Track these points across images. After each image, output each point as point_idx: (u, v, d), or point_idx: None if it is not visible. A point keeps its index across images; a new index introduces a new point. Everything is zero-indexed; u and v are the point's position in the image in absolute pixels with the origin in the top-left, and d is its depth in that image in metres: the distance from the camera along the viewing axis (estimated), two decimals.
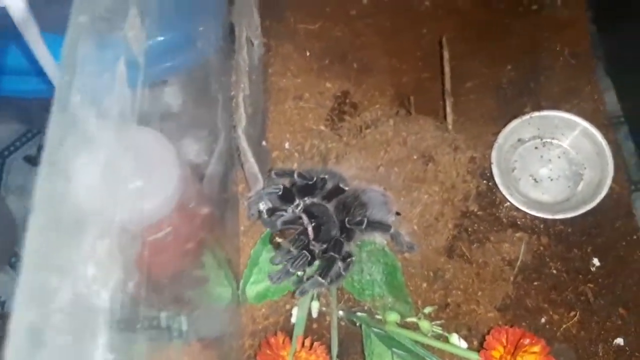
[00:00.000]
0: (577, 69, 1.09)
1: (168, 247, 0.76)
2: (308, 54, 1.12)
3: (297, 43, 1.13)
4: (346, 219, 0.85)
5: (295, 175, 0.86)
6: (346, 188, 0.89)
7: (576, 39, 1.12)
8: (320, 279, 0.79)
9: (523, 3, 1.18)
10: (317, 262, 0.84)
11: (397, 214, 0.92)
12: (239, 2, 0.98)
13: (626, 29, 1.12)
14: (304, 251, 0.79)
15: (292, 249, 0.79)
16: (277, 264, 0.81)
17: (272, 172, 0.87)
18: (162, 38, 0.97)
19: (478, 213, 0.97)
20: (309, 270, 0.84)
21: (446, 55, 1.04)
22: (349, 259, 0.83)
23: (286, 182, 0.89)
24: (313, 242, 0.83)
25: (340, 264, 0.81)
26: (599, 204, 0.94)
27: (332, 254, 0.81)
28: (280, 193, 0.83)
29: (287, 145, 1.05)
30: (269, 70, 1.09)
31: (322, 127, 1.06)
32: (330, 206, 0.89)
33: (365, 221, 0.84)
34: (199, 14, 0.99)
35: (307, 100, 1.08)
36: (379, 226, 0.86)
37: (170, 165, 0.67)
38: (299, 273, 0.83)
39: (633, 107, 1.09)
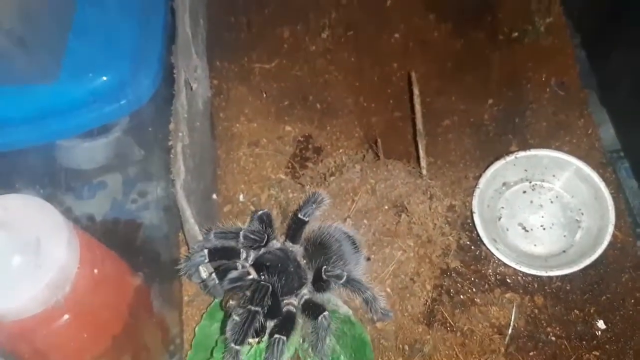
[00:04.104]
0: (567, 100, 0.98)
1: (75, 335, 0.63)
2: (264, 95, 1.01)
3: (251, 84, 1.02)
4: (323, 268, 0.73)
5: (241, 237, 0.74)
6: (306, 219, 0.77)
7: (563, 68, 1.01)
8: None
9: (503, 31, 1.07)
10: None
11: (368, 259, 0.82)
12: (181, 41, 0.87)
13: (620, 51, 0.99)
14: (251, 312, 0.65)
15: (235, 316, 0.65)
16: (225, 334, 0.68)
17: (212, 233, 0.74)
18: (94, 82, 0.87)
19: (460, 270, 0.85)
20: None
21: (416, 91, 0.92)
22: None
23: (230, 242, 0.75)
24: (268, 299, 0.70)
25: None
26: (600, 256, 0.81)
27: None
28: (206, 261, 0.70)
29: (241, 197, 0.93)
30: (220, 114, 0.98)
31: (282, 176, 0.95)
32: (297, 249, 0.78)
33: (345, 276, 0.72)
34: (135, 54, 0.89)
35: (264, 147, 0.97)
36: (358, 285, 0.73)
37: (57, 239, 0.55)
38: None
39: (634, 140, 0.97)
